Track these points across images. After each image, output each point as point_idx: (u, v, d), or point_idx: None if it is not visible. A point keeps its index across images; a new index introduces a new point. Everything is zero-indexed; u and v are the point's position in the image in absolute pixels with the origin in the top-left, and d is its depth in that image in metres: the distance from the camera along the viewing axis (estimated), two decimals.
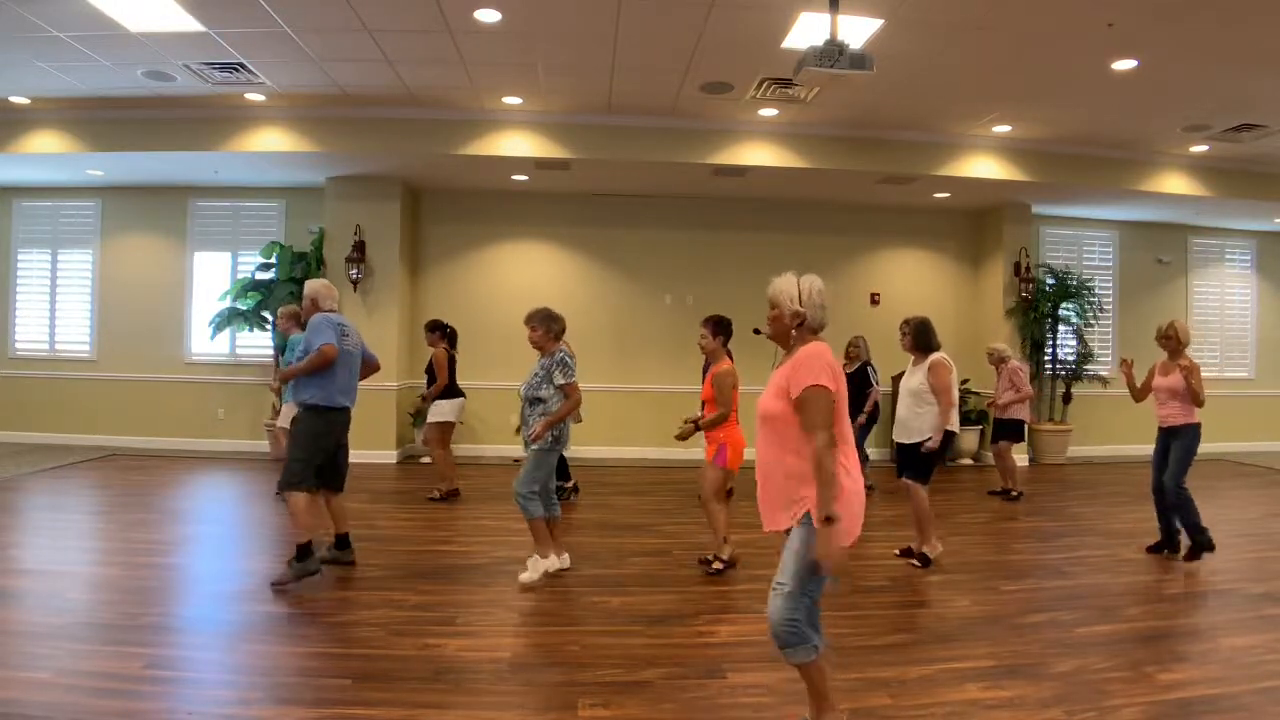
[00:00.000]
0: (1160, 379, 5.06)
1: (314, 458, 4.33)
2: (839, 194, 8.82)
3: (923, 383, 4.80)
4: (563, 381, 4.33)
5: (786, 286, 2.55)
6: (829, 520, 2.30)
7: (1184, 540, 5.03)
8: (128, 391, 8.84)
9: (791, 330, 2.53)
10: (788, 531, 2.50)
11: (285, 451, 4.39)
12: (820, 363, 2.40)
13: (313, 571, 4.22)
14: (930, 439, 4.74)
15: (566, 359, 4.38)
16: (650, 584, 4.38)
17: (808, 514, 2.39)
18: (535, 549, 4.44)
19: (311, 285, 4.55)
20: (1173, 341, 5.02)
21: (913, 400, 4.84)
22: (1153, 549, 5.15)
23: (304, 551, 4.19)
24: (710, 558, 4.61)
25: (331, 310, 4.46)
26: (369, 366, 4.70)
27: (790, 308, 2.52)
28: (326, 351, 4.21)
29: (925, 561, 4.77)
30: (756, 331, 2.96)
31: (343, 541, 4.60)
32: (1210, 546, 4.90)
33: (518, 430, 4.64)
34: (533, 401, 4.38)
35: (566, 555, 4.61)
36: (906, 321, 4.98)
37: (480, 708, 2.86)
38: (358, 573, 4.45)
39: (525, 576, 4.36)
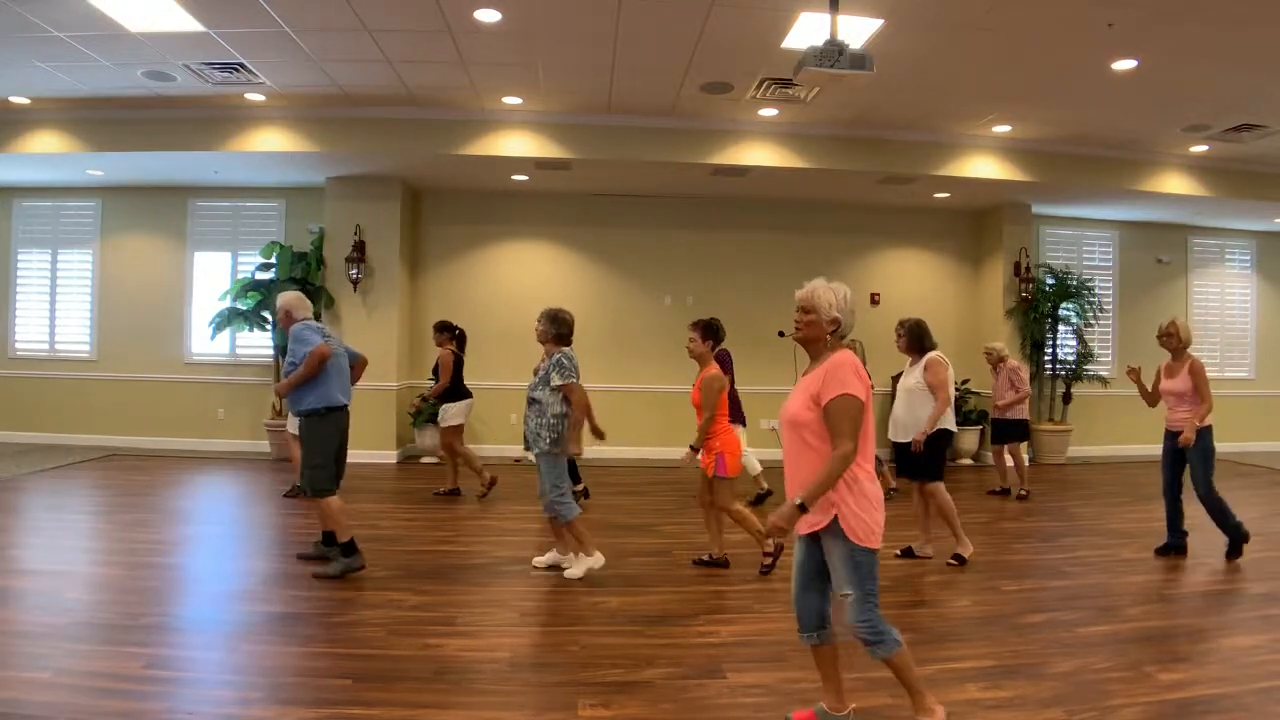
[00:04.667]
0: (1167, 381, 4.98)
1: (330, 460, 4.45)
2: (839, 194, 8.82)
3: (919, 381, 4.82)
4: (560, 383, 4.32)
5: (824, 291, 2.57)
6: (801, 507, 2.39)
7: (1209, 539, 5.01)
8: (128, 391, 8.83)
9: (825, 335, 2.56)
10: (814, 537, 2.53)
11: (301, 459, 4.45)
12: (849, 371, 2.45)
13: (358, 567, 4.37)
14: (919, 435, 4.73)
15: (563, 360, 4.36)
16: (650, 584, 4.38)
17: (837, 523, 2.43)
18: (578, 549, 4.47)
19: (284, 298, 4.60)
20: (1173, 340, 4.94)
21: (909, 399, 4.86)
22: (1161, 551, 5.11)
23: (349, 548, 4.36)
24: (706, 559, 4.64)
25: (305, 320, 4.52)
26: (358, 366, 4.76)
27: (829, 314, 2.54)
28: (321, 351, 4.27)
29: (961, 561, 4.76)
30: (782, 334, 2.96)
31: (329, 539, 4.62)
32: (1247, 537, 4.92)
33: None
34: (530, 403, 4.41)
35: (562, 553, 4.62)
36: (901, 323, 5.02)
37: (480, 708, 2.86)
38: (358, 572, 4.44)
39: (570, 572, 4.43)
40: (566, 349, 4.46)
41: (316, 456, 4.37)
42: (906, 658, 2.56)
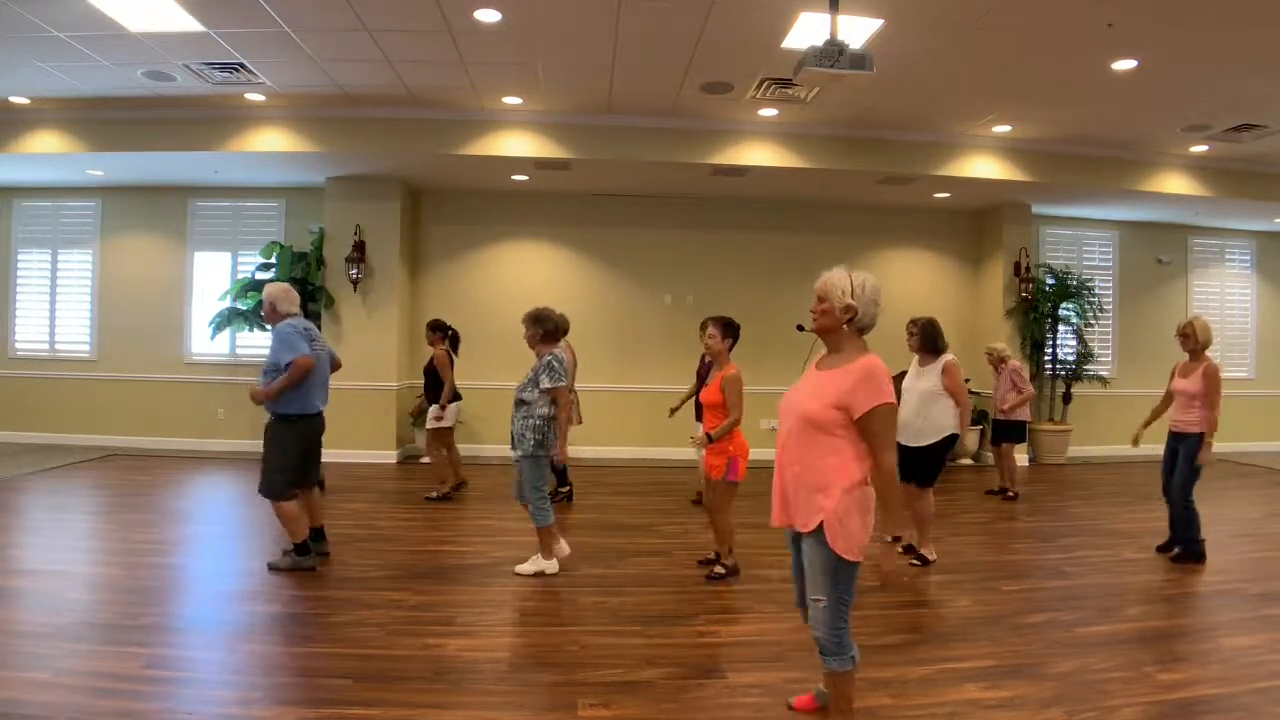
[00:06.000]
0: (1180, 381, 4.92)
1: (295, 466, 4.42)
2: (839, 194, 8.82)
3: (934, 385, 4.74)
4: (548, 386, 4.30)
5: (838, 279, 2.47)
6: (896, 540, 2.31)
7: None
8: (128, 391, 8.84)
9: (841, 325, 2.46)
10: (796, 537, 2.51)
11: (266, 460, 4.39)
12: (884, 377, 2.37)
13: (308, 567, 4.43)
14: (952, 435, 4.70)
15: (553, 363, 4.33)
16: (650, 584, 4.38)
17: (821, 525, 2.37)
18: (541, 551, 4.49)
19: (271, 290, 4.55)
20: (1190, 340, 4.87)
21: (921, 402, 4.77)
22: (1162, 549, 5.11)
23: (302, 548, 4.44)
24: (713, 556, 4.62)
25: (291, 313, 4.49)
26: (333, 365, 4.75)
27: (842, 301, 2.44)
28: (303, 364, 4.24)
29: (925, 561, 4.77)
30: (800, 328, 2.88)
31: (318, 534, 4.67)
32: (1200, 559, 4.89)
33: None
34: (518, 404, 4.40)
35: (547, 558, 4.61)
36: (914, 321, 4.94)
37: (480, 708, 2.86)
38: (358, 573, 4.45)
39: (522, 567, 4.47)
40: (557, 351, 4.43)
41: (284, 461, 4.35)
42: (853, 679, 2.52)
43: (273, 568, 4.42)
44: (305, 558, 4.42)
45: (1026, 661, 3.34)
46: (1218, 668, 3.31)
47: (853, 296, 2.44)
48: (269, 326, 4.62)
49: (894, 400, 2.37)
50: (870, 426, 2.34)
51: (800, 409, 2.46)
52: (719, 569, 4.49)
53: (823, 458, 2.39)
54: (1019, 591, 4.34)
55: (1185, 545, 4.93)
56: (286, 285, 4.64)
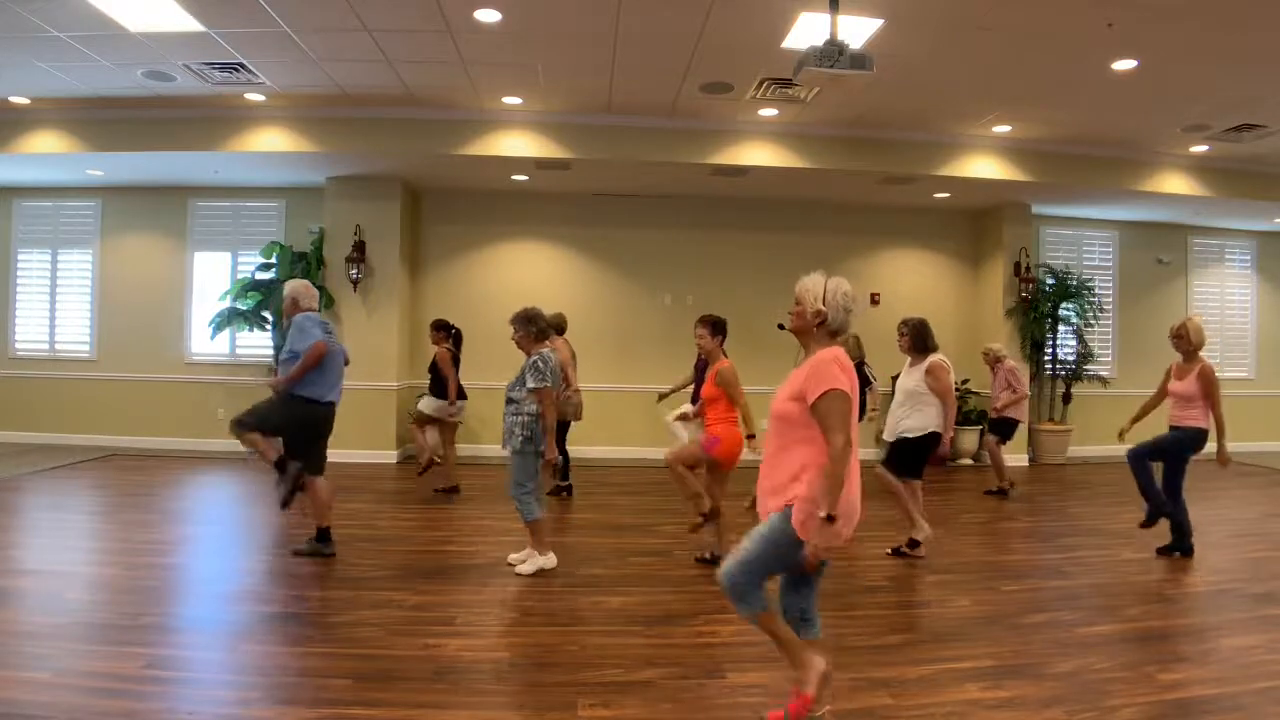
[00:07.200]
0: (1176, 383, 4.94)
1: (305, 451, 4.54)
2: (839, 194, 8.82)
3: (919, 383, 4.83)
4: (532, 385, 4.33)
5: (812, 285, 2.58)
6: (830, 519, 2.36)
7: (1172, 531, 5.05)
8: (128, 391, 8.84)
9: (813, 328, 2.57)
10: None
11: (260, 404, 4.56)
12: (835, 367, 2.45)
13: (328, 554, 4.58)
14: (938, 435, 4.77)
15: (538, 363, 4.37)
16: (650, 584, 4.37)
17: (789, 507, 2.44)
18: (534, 547, 4.50)
19: (292, 285, 4.69)
20: (1184, 342, 4.89)
21: (907, 399, 4.88)
22: (1164, 550, 5.10)
23: (323, 534, 4.60)
24: (708, 557, 4.64)
25: (311, 309, 4.61)
26: (344, 361, 4.85)
27: (813, 306, 2.55)
28: (319, 347, 4.37)
29: (914, 544, 4.82)
30: (781, 327, 2.98)
31: (323, 535, 4.75)
32: (1190, 552, 4.95)
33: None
34: (508, 402, 4.45)
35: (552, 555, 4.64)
36: (905, 322, 5.03)
37: (480, 708, 2.86)
38: (358, 572, 4.45)
39: (522, 567, 4.47)
40: (545, 350, 4.47)
41: (273, 421, 4.46)
42: (772, 619, 2.56)
43: (297, 552, 4.59)
44: (327, 545, 4.61)
45: (1026, 661, 3.34)
46: (1217, 668, 3.31)
47: (824, 303, 2.55)
48: (279, 320, 4.75)
49: (844, 387, 2.42)
50: (817, 410, 2.43)
51: (772, 408, 2.60)
52: (705, 554, 4.52)
53: (796, 449, 2.47)
54: (1019, 591, 4.34)
55: (1176, 537, 4.99)
56: (308, 282, 4.80)
